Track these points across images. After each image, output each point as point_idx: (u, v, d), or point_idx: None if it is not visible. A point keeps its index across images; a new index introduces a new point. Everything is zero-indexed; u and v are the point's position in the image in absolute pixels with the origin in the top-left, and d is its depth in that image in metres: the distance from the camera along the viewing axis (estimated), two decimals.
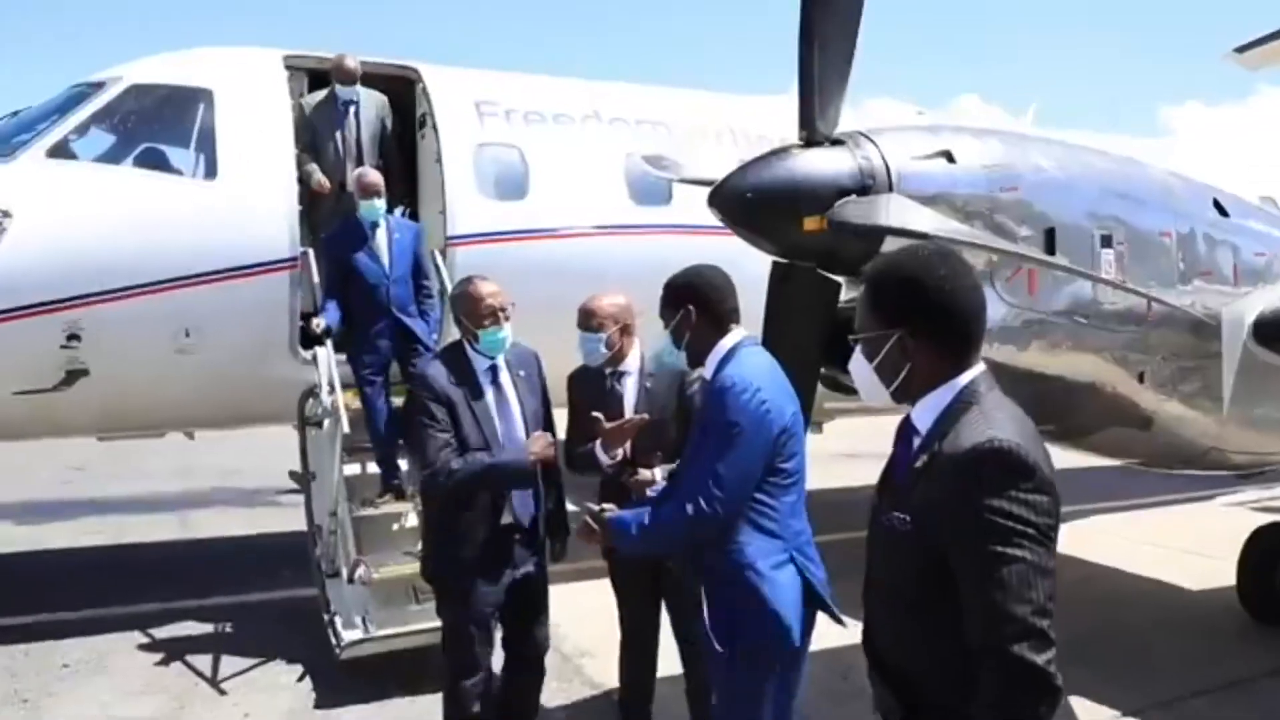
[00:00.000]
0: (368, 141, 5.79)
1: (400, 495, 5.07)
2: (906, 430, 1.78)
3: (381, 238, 5.13)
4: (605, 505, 2.74)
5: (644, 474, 3.14)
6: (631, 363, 3.54)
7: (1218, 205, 4.53)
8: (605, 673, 4.37)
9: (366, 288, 5.05)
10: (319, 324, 5.00)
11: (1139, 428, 4.30)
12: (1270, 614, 5.26)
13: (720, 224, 5.24)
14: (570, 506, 3.51)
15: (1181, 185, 4.47)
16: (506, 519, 3.21)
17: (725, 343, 2.73)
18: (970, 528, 1.51)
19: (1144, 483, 7.97)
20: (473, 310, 3.19)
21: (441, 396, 3.10)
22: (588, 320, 3.43)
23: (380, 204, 5.12)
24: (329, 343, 5.06)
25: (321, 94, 5.79)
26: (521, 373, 3.32)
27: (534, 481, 3.25)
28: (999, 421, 1.58)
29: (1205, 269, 4.31)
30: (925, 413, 1.71)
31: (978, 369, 1.71)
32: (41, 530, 7.22)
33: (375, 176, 5.18)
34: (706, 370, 2.77)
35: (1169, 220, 4.27)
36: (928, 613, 1.62)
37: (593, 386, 3.51)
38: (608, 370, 3.52)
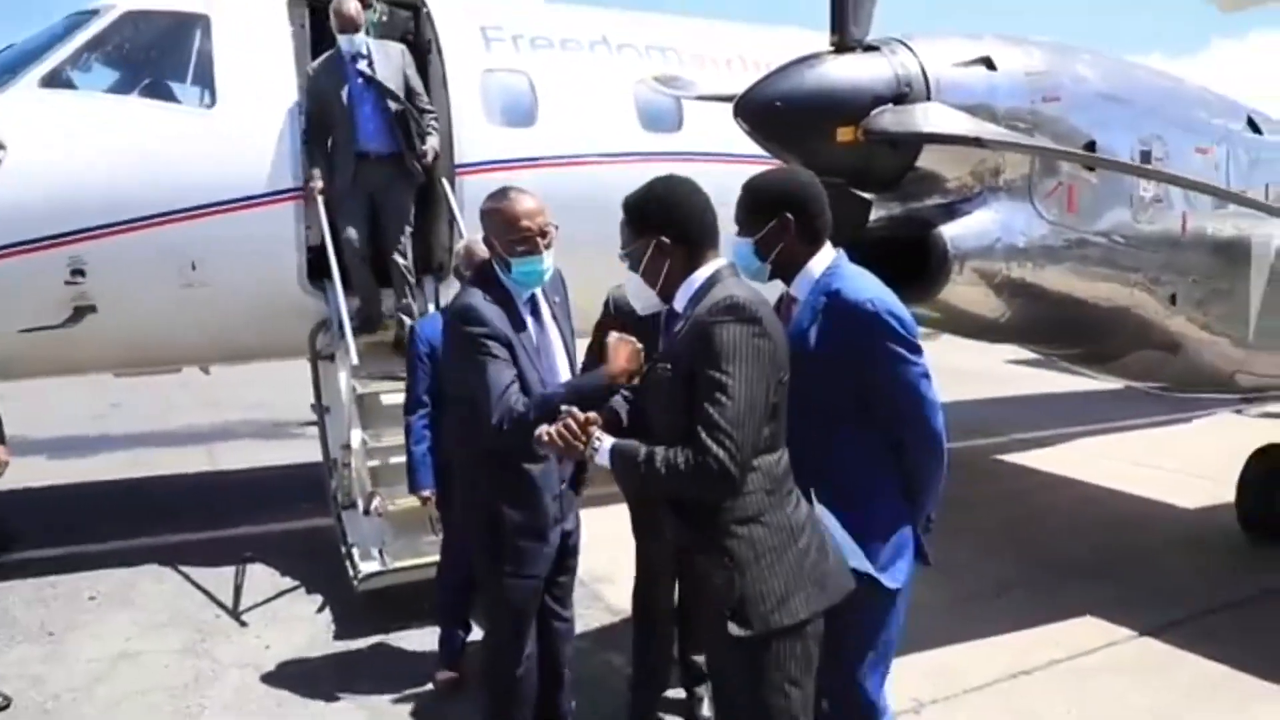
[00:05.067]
0: (394, 101, 4.64)
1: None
2: (671, 316, 2.01)
3: None
4: None
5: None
6: None
7: (1251, 123, 4.02)
8: (626, 599, 3.99)
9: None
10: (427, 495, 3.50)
11: (1167, 351, 3.86)
12: (1272, 534, 4.87)
13: (731, 152, 4.81)
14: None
15: (1218, 101, 3.94)
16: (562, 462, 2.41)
17: (821, 259, 2.16)
18: (706, 354, 1.78)
19: (1129, 406, 7.60)
20: (506, 231, 2.33)
21: (500, 334, 2.26)
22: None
23: None
24: (336, 275, 4.53)
25: (324, 56, 4.68)
26: (557, 299, 2.52)
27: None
28: (736, 288, 1.87)
29: (1240, 187, 3.83)
30: (683, 296, 1.95)
31: (720, 261, 1.97)
32: (74, 464, 6.79)
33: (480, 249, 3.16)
34: (797, 289, 2.17)
35: (1207, 136, 3.77)
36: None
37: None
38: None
